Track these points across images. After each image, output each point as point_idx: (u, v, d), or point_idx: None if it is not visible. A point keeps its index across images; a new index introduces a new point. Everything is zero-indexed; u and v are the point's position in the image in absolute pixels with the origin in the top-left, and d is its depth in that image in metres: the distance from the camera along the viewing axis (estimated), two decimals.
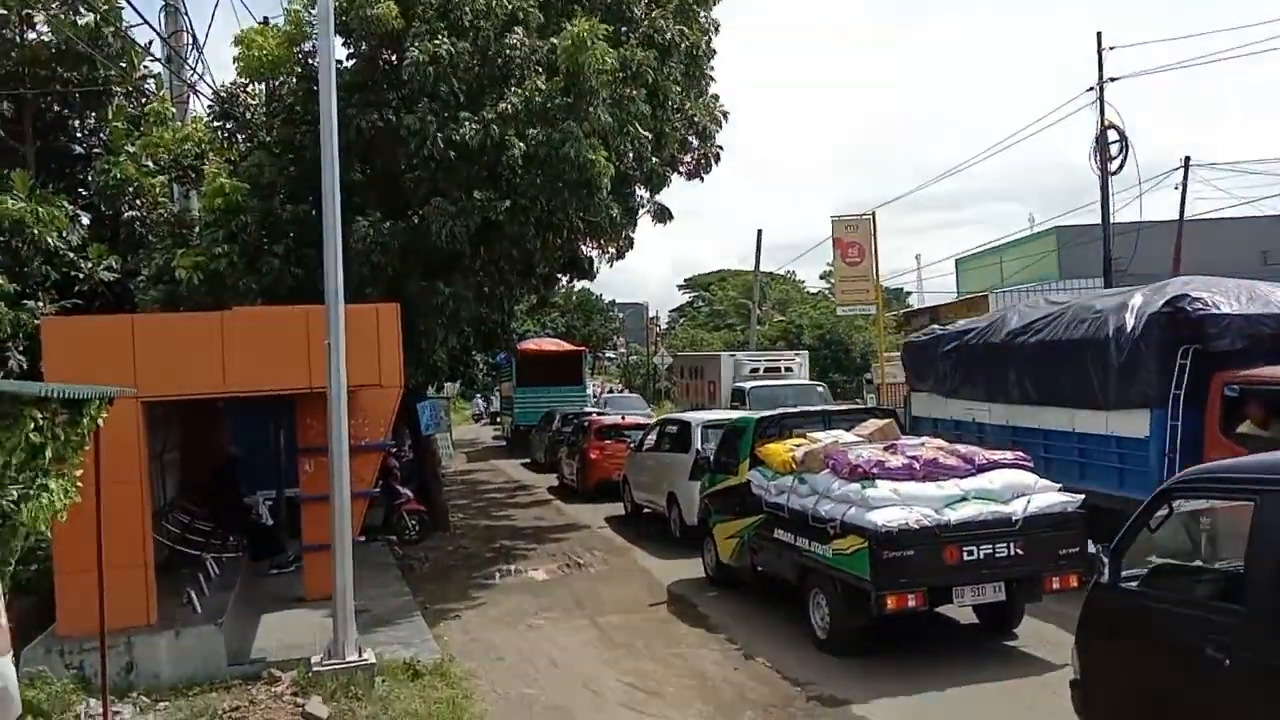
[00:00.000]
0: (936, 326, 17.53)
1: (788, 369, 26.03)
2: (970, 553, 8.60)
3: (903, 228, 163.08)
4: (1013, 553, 8.73)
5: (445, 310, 13.35)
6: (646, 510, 17.63)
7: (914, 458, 9.18)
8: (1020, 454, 9.78)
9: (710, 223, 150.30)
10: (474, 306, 14.45)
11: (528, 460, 30.51)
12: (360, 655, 8.50)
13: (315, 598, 11.05)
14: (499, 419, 43.89)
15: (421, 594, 12.48)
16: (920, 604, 8.62)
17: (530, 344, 35.13)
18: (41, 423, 4.55)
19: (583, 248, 17.67)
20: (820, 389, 23.21)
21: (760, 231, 37.00)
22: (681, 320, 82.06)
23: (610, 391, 49.11)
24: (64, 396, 4.76)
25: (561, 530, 17.67)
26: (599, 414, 25.66)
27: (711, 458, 12.93)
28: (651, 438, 17.93)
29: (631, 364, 71.46)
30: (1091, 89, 23.21)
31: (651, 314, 74.76)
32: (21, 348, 15.82)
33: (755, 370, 25.05)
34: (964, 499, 8.84)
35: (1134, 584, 5.82)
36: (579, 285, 39.80)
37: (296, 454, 11.70)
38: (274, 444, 15.73)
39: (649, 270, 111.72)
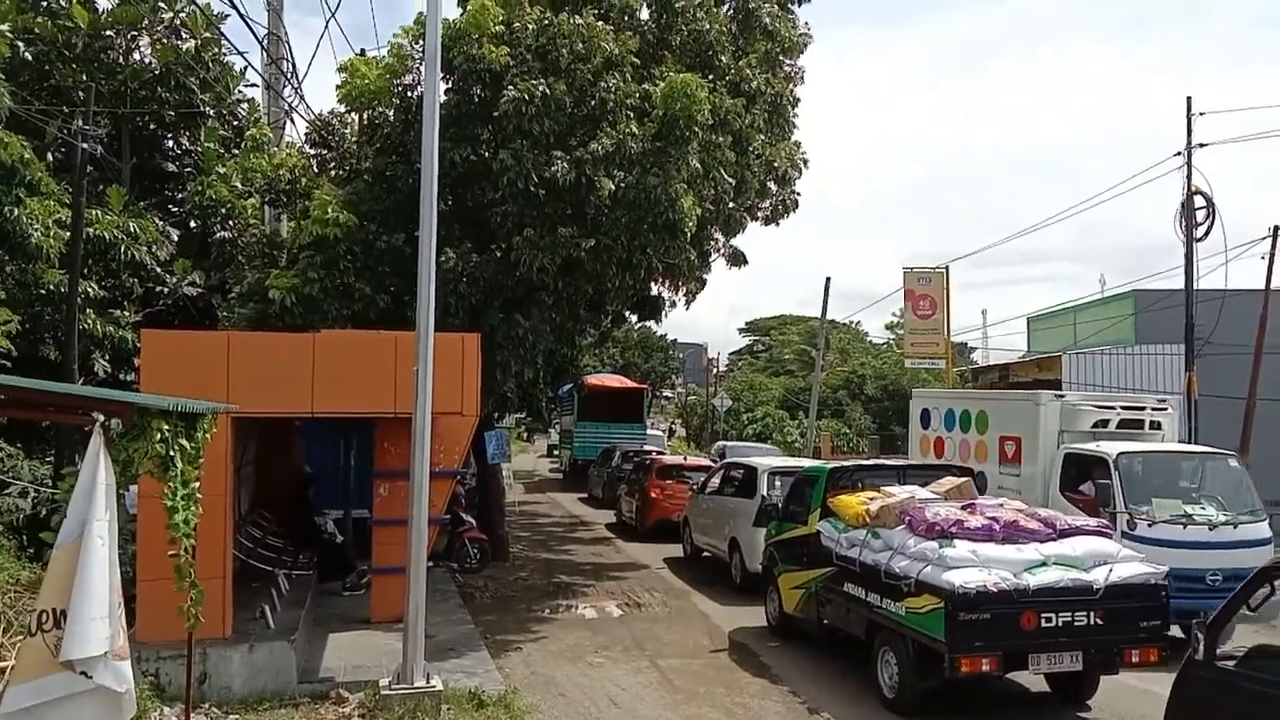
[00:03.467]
0: None
1: (1154, 424, 14.72)
2: (1049, 619, 8.45)
3: (967, 282, 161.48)
4: (1092, 622, 8.56)
5: (524, 342, 13.54)
6: (706, 554, 17.54)
7: (994, 519, 9.05)
8: (1102, 521, 9.59)
9: (768, 267, 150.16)
10: (549, 340, 14.64)
11: (585, 495, 30.60)
12: (428, 681, 8.55)
13: (381, 620, 11.21)
14: (556, 452, 44.15)
15: (482, 623, 12.53)
16: (995, 668, 8.49)
17: (594, 379, 35.35)
18: (167, 434, 4.72)
19: (655, 288, 17.83)
20: (1234, 463, 13.52)
21: (829, 279, 36.98)
22: (740, 364, 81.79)
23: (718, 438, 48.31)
24: (185, 410, 4.93)
25: (620, 569, 17.64)
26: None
27: (779, 505, 12.84)
28: (715, 480, 17.88)
29: (689, 404, 71.37)
30: (1179, 154, 22.85)
31: (711, 354, 74.59)
32: (107, 355, 16.42)
33: (1103, 423, 14.13)
34: (1044, 564, 8.70)
35: (1231, 663, 5.67)
36: (647, 324, 40.05)
37: (371, 476, 11.86)
38: (343, 465, 16.01)
39: (707, 311, 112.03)
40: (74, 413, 4.60)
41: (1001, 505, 9.76)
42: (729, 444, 34.01)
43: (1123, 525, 11.72)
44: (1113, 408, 14.36)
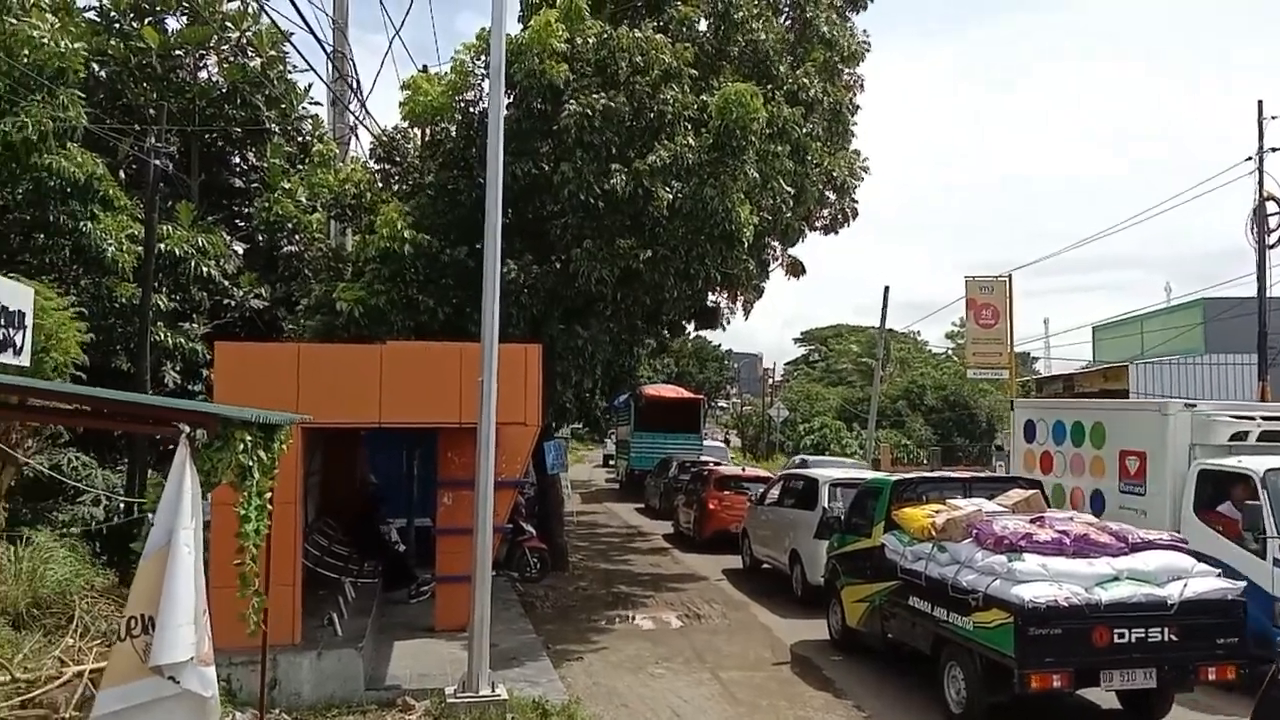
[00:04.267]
0: None
1: None
2: (1121, 635, 8.28)
3: (1027, 290, 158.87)
4: (1166, 638, 8.37)
5: (584, 353, 13.64)
6: (765, 565, 17.44)
7: (1064, 532, 8.88)
8: (1178, 535, 9.37)
9: (823, 276, 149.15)
10: (607, 350, 14.72)
11: (642, 505, 30.60)
12: (493, 690, 8.62)
13: (445, 628, 11.34)
14: (612, 462, 44.23)
15: (543, 633, 12.60)
16: (1065, 685, 8.34)
17: (650, 389, 35.38)
18: (249, 445, 4.84)
19: (712, 298, 17.83)
20: None
21: (887, 288, 36.50)
22: (796, 374, 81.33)
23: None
24: (266, 422, 5.05)
25: (679, 580, 17.61)
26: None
27: (841, 517, 12.74)
28: (774, 492, 17.78)
29: (744, 414, 71.13)
30: (1250, 159, 22.31)
31: (767, 364, 74.30)
32: (178, 367, 16.87)
33: (1240, 435, 12.45)
34: (1116, 579, 8.54)
35: None
36: (702, 334, 40.10)
37: (433, 485, 12.01)
38: (406, 474, 16.23)
39: (761, 321, 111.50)
40: (164, 424, 4.73)
41: (1071, 518, 9.59)
42: (809, 457, 33.11)
43: (1275, 552, 10.09)
44: (1252, 418, 12.76)
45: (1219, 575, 8.90)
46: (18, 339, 9.35)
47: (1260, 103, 22.42)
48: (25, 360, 9.71)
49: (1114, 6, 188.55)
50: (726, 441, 52.47)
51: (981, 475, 14.06)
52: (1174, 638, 8.36)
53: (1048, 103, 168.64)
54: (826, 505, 14.65)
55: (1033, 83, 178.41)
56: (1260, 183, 22.15)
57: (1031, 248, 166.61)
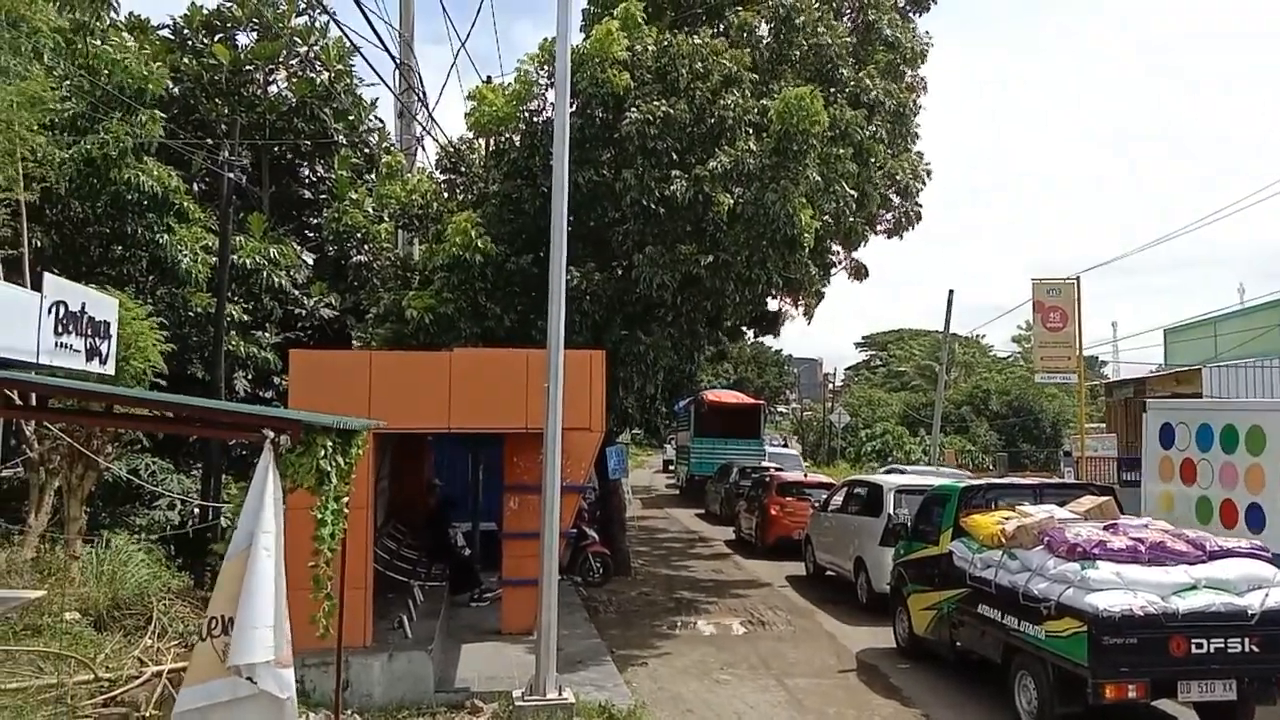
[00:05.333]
0: None
1: None
2: (1199, 645, 8.09)
3: (1094, 293, 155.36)
4: (1247, 649, 8.16)
5: (645, 358, 13.70)
6: (829, 572, 17.32)
7: (1138, 539, 8.70)
8: (1258, 543, 9.12)
9: (886, 279, 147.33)
10: (669, 355, 14.77)
11: (702, 511, 30.57)
12: (560, 694, 8.69)
13: (511, 631, 11.48)
14: (672, 467, 44.25)
15: (607, 637, 12.66)
16: (1141, 695, 8.16)
17: (710, 395, 35.34)
18: (329, 450, 4.98)
19: (773, 303, 17.79)
20: None
21: (951, 291, 36.00)
22: (857, 379, 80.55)
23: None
24: (345, 427, 5.18)
25: (742, 586, 17.57)
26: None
27: (908, 524, 12.61)
28: (838, 498, 17.64)
29: (805, 420, 70.66)
30: None
31: (827, 369, 73.68)
32: (250, 374, 17.30)
33: None
34: (1193, 587, 8.34)
35: None
36: (761, 340, 39.93)
37: (502, 490, 12.14)
38: (471, 478, 16.43)
39: (821, 326, 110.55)
40: (251, 430, 4.88)
41: (1146, 525, 9.39)
42: (903, 466, 31.66)
43: None
44: None
45: None
46: (104, 348, 9.70)
47: None
48: (110, 368, 10.06)
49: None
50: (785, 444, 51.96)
51: (1051, 481, 13.76)
52: (1255, 649, 8.14)
53: (1112, 98, 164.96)
54: (892, 512, 14.52)
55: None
56: None
57: (1107, 249, 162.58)
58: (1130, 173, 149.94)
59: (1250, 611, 8.19)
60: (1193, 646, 8.06)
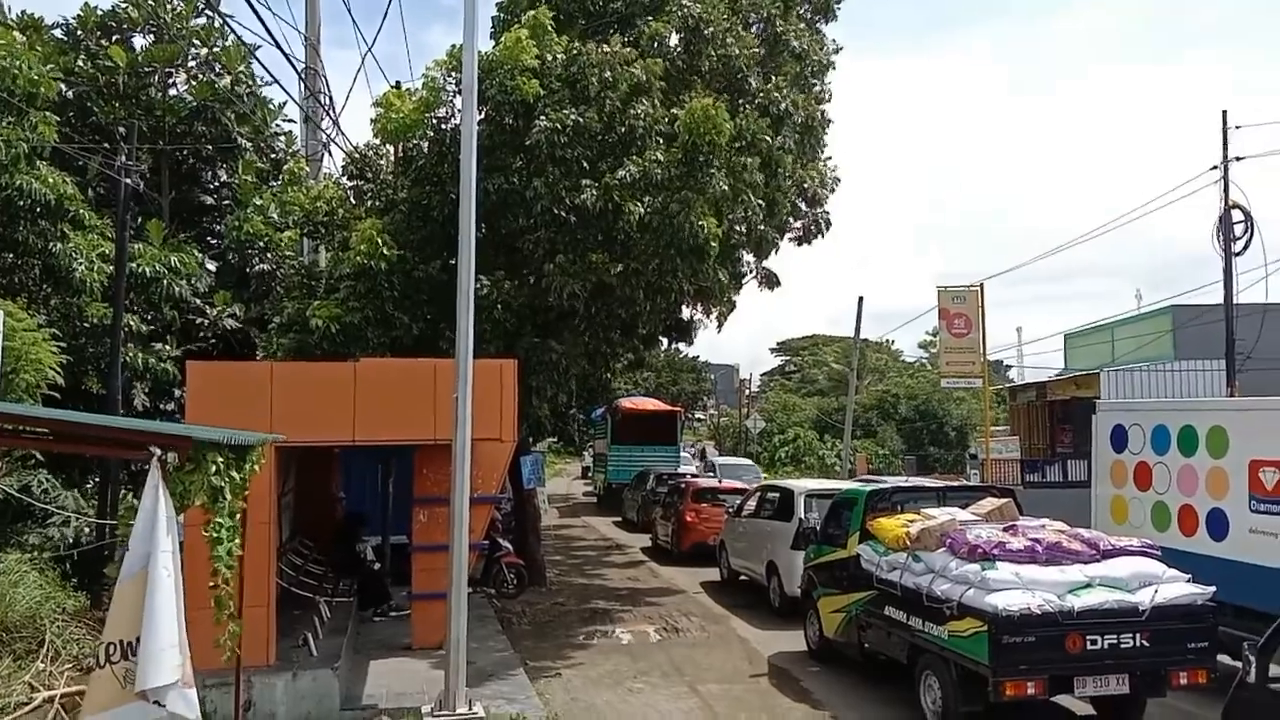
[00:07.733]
0: None
1: None
2: (1094, 642, 8.35)
3: (999, 300, 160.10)
4: (1139, 644, 8.46)
5: (558, 367, 13.65)
6: (743, 577, 17.46)
7: (1036, 540, 8.96)
8: (1147, 541, 9.47)
9: (797, 285, 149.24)
10: (581, 364, 14.73)
11: (619, 519, 30.57)
12: (470, 708, 8.57)
13: (422, 646, 11.30)
14: (590, 475, 44.17)
15: (520, 649, 12.55)
16: (1040, 692, 8.38)
17: (627, 402, 35.35)
18: (221, 466, 4.82)
19: (686, 310, 17.89)
20: None
21: (861, 298, 36.89)
22: (772, 384, 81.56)
23: (716, 453, 48.57)
24: (238, 443, 5.03)
25: (657, 593, 17.60)
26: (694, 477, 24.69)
27: (817, 528, 12.79)
28: (751, 504, 17.81)
29: (722, 425, 71.24)
30: (1215, 167, 22.68)
31: (745, 375, 74.46)
32: (147, 387, 16.71)
33: None
34: (1088, 585, 8.62)
35: None
36: (676, 347, 40.21)
37: (408, 502, 11.96)
38: (381, 491, 16.16)
39: (736, 332, 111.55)
40: (136, 448, 4.71)
41: (1043, 526, 9.68)
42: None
43: None
44: None
45: (1189, 581, 8.99)
46: None
47: (1225, 113, 22.82)
48: None
49: (1090, 9, 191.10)
50: (702, 454, 51.96)
51: (955, 484, 14.12)
52: (1146, 643, 8.43)
53: (1024, 109, 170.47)
54: (802, 516, 14.72)
55: (1003, 92, 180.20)
56: (1225, 191, 22.51)
57: (1000, 257, 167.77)
58: (1039, 180, 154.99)
59: (1141, 608, 8.48)
60: (1088, 643, 8.32)
